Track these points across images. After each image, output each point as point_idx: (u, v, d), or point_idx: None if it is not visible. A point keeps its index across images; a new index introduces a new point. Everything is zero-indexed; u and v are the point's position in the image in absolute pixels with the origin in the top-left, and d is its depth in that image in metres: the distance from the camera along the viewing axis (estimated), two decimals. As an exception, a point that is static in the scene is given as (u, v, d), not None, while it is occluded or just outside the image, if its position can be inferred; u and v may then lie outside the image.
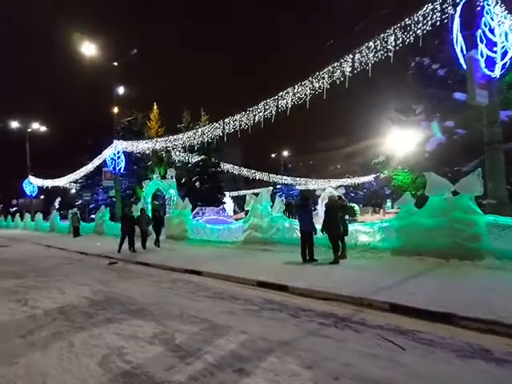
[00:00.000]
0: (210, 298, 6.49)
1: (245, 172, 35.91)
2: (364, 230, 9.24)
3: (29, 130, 43.20)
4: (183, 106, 34.08)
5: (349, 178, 50.41)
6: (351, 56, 11.53)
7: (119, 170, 27.61)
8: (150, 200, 18.13)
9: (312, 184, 43.68)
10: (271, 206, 12.08)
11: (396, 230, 8.49)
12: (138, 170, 30.87)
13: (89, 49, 24.67)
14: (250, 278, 7.42)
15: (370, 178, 45.46)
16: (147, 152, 28.65)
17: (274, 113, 15.26)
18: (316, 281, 6.66)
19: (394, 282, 6.27)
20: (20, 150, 45.01)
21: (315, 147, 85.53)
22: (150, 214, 16.39)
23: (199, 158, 31.55)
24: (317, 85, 12.96)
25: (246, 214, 29.23)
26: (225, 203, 33.03)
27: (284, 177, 41.08)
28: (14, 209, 57.97)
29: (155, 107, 32.90)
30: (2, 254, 15.49)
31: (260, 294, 6.54)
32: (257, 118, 16.19)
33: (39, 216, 33.67)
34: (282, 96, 14.50)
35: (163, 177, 28.48)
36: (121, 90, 29.23)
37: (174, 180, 16.55)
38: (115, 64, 31.32)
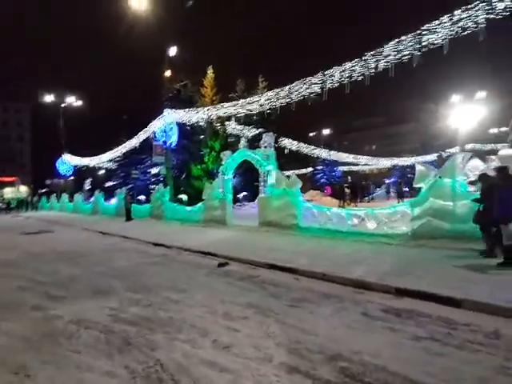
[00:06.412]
0: None
1: (304, 149, 31.46)
2: None
3: (63, 104, 39.98)
4: (235, 73, 29.75)
5: (405, 157, 45.83)
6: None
7: (170, 144, 23.88)
8: (231, 176, 14.05)
9: (371, 163, 38.74)
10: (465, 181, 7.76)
11: None
12: (189, 145, 26.87)
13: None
14: None
15: (431, 156, 41.40)
16: (201, 124, 24.75)
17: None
18: None
19: None
20: (54, 127, 41.97)
21: (352, 126, 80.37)
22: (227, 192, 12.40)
23: (257, 131, 27.34)
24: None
25: (313, 195, 24.92)
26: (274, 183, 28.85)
27: (346, 154, 36.07)
28: (44, 190, 55.72)
29: (210, 71, 28.41)
30: (50, 243, 11.95)
31: None
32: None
33: (78, 197, 30.52)
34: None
35: (218, 152, 24.55)
36: (171, 52, 25.19)
37: (273, 150, 12.21)
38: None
